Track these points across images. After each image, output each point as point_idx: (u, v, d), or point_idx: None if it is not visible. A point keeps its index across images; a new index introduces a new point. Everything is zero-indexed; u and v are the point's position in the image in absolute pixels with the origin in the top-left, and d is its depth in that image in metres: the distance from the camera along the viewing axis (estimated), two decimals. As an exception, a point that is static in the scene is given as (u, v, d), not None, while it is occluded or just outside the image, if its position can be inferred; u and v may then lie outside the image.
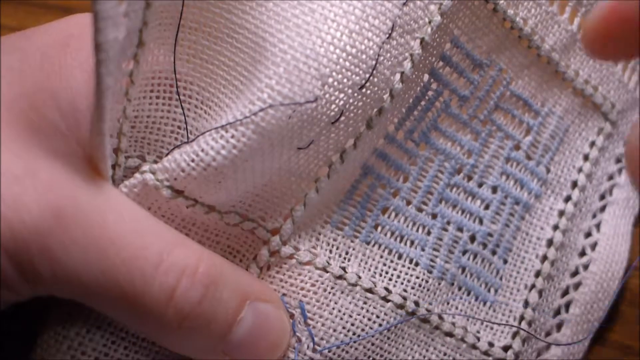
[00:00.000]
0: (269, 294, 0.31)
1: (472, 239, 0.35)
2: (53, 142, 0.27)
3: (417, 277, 0.33)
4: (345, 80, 0.29)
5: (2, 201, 0.26)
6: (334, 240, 0.33)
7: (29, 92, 0.28)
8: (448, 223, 0.35)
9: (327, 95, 0.28)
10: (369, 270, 0.33)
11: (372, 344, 0.32)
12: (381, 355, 0.32)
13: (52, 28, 0.30)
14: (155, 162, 0.31)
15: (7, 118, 0.27)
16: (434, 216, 0.35)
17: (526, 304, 0.36)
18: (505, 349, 0.35)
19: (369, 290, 0.32)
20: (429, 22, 0.31)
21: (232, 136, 0.28)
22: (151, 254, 0.27)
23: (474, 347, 0.34)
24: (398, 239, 0.34)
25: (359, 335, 0.32)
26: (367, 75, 0.29)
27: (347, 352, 0.32)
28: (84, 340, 0.29)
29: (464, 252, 0.35)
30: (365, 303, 0.32)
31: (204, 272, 0.28)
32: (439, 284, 0.34)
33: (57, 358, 0.29)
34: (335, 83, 0.28)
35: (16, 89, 0.28)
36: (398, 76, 0.31)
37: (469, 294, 0.35)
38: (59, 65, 0.28)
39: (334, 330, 0.32)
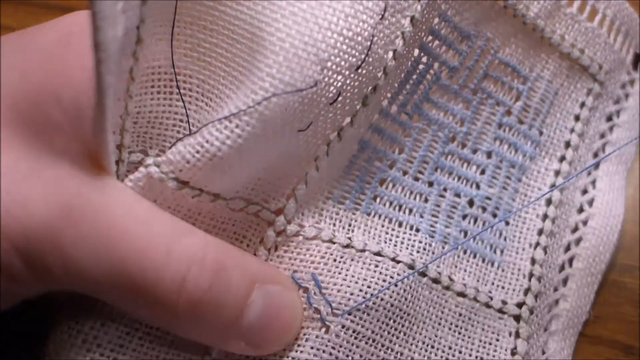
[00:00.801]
0: (277, 276, 0.31)
1: (471, 203, 0.36)
2: (56, 141, 0.27)
3: (420, 242, 0.34)
4: (342, 62, 0.29)
5: (12, 200, 0.26)
6: (336, 214, 0.33)
7: (31, 91, 0.28)
8: (445, 190, 0.36)
9: (325, 79, 0.29)
10: (374, 238, 0.33)
11: (391, 305, 0.32)
12: (401, 317, 0.32)
13: (52, 27, 0.30)
14: (158, 155, 0.31)
15: (11, 118, 0.27)
16: (431, 184, 0.35)
17: (533, 261, 0.36)
18: (519, 305, 0.35)
19: (378, 254, 0.33)
20: (418, 0, 0.31)
21: (237, 126, 0.28)
22: (160, 243, 0.27)
23: (487, 305, 0.35)
24: (397, 208, 0.35)
25: (377, 297, 0.32)
26: (363, 57, 0.29)
27: (368, 314, 0.32)
28: (98, 333, 0.29)
29: (464, 217, 0.36)
30: (377, 266, 0.32)
31: (212, 259, 0.28)
32: (443, 247, 0.35)
33: (72, 352, 0.29)
34: (334, 66, 0.29)
35: (19, 89, 0.28)
36: (391, 54, 0.31)
37: (475, 256, 0.35)
38: (60, 64, 0.28)
39: (351, 294, 0.31)
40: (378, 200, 0.34)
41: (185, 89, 0.31)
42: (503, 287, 0.36)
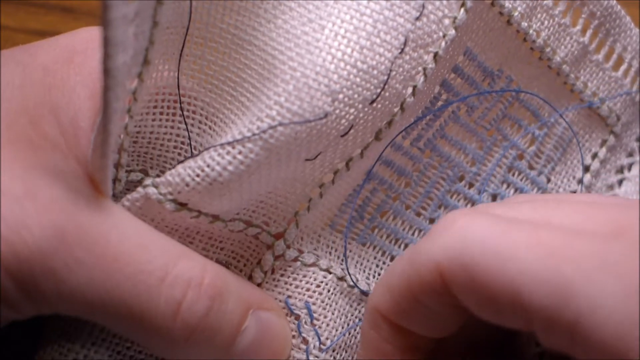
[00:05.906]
0: (270, 302, 0.30)
1: None
2: (53, 159, 0.26)
3: None
4: (355, 95, 0.27)
5: (4, 223, 0.24)
6: (333, 242, 0.32)
7: (29, 107, 0.26)
8: None
9: (337, 111, 0.27)
10: (364, 271, 0.32)
11: None
12: None
13: (56, 43, 0.29)
14: (158, 176, 0.29)
15: (7, 136, 0.26)
16: (432, 221, 0.34)
17: None
18: None
19: (365, 294, 0.32)
20: (443, 36, 0.29)
21: (240, 152, 0.26)
22: (156, 267, 0.26)
23: None
24: (393, 242, 0.33)
25: (348, 332, 0.31)
26: (379, 91, 0.27)
27: (346, 351, 0.31)
28: (89, 352, 0.28)
29: None
30: (359, 304, 0.32)
31: (209, 284, 0.27)
32: None
33: None
34: (346, 99, 0.27)
35: (16, 105, 0.26)
36: (410, 90, 0.29)
37: None
38: (60, 80, 0.27)
39: (336, 330, 0.31)
40: (376, 231, 0.33)
41: (189, 111, 0.29)
42: None
